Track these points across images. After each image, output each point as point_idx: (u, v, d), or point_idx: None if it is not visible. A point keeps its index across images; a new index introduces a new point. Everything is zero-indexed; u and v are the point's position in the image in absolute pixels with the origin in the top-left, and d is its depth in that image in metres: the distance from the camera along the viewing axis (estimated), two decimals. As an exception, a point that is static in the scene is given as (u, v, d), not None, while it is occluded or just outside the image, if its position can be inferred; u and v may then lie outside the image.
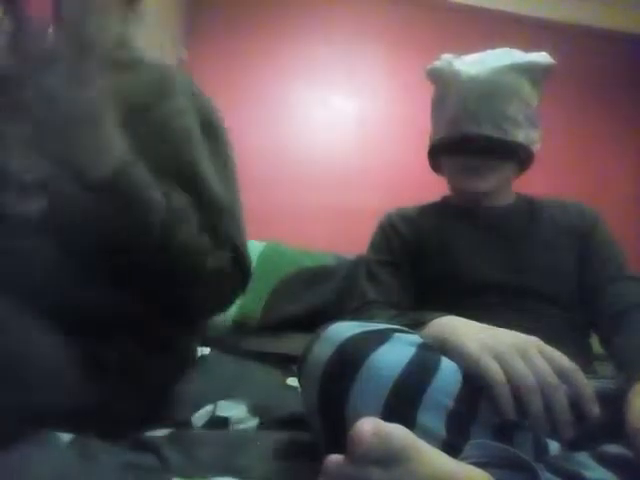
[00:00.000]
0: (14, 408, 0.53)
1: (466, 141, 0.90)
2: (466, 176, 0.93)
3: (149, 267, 0.62)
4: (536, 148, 0.94)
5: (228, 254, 0.68)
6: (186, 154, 0.67)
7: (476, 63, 0.92)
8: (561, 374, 0.51)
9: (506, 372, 0.51)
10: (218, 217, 0.67)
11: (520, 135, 0.90)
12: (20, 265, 0.60)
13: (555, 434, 0.49)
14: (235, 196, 0.74)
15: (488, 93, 0.89)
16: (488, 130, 0.89)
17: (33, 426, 0.53)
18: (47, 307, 0.57)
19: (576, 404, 0.50)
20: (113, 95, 0.58)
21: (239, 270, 0.70)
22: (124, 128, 0.57)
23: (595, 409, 0.50)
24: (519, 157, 0.93)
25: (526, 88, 0.91)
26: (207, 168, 0.69)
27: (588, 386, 0.51)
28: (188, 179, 0.66)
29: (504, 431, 0.50)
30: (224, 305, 0.75)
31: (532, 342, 0.54)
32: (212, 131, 0.73)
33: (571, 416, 0.49)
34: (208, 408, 0.78)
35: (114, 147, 0.55)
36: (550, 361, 0.52)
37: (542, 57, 0.93)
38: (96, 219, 0.57)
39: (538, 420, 0.49)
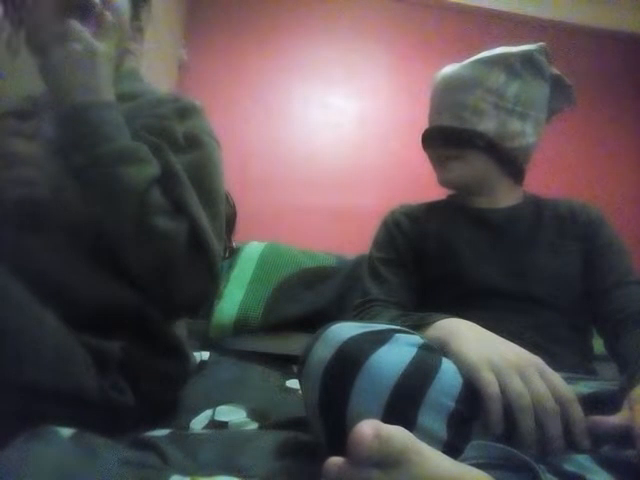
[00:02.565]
0: (14, 402, 0.53)
1: (428, 133, 0.95)
2: (436, 169, 0.97)
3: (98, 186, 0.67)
4: (521, 142, 0.90)
5: (185, 227, 0.69)
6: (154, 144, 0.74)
7: (458, 64, 0.94)
8: (558, 400, 0.51)
9: (502, 388, 0.51)
10: (179, 189, 0.71)
11: (485, 124, 0.87)
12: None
13: (543, 456, 0.49)
14: (210, 197, 0.76)
15: (450, 86, 0.92)
16: (446, 120, 0.91)
17: (33, 421, 0.53)
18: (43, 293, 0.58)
19: (567, 432, 0.50)
20: None
21: (200, 254, 0.70)
22: None
23: (586, 443, 0.50)
24: (493, 148, 0.89)
25: (498, 79, 0.89)
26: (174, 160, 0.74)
27: (582, 419, 0.51)
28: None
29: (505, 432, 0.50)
30: (189, 295, 0.73)
31: (534, 362, 0.54)
32: (194, 143, 0.79)
33: (562, 443, 0.49)
34: (207, 413, 0.77)
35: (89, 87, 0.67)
36: (549, 385, 0.52)
37: (517, 47, 0.91)
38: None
39: (527, 440, 0.49)
